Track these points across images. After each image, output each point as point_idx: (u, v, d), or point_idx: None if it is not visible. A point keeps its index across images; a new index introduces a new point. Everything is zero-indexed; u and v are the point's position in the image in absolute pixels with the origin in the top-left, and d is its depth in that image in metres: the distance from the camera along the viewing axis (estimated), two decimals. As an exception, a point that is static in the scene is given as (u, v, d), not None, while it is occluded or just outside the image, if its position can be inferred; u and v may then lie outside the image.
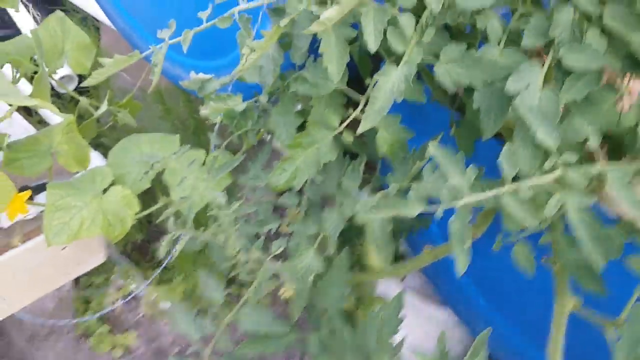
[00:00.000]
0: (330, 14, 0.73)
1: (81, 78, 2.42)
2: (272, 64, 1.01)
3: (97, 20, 2.33)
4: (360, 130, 0.79)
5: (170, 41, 0.92)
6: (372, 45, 0.75)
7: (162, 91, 2.06)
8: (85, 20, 2.43)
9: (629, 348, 0.74)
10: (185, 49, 0.86)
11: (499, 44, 0.83)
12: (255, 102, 1.12)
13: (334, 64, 0.78)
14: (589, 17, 0.81)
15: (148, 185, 1.43)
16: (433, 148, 0.75)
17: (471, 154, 1.01)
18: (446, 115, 1.04)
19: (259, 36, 1.23)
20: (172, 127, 1.98)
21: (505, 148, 0.73)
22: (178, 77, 1.66)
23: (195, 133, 1.95)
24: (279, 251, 0.93)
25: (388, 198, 0.85)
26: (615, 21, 0.80)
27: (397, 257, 1.18)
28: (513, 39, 0.84)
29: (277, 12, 0.93)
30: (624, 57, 0.82)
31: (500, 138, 0.89)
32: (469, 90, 0.84)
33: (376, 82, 0.77)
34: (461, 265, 0.68)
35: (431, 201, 0.74)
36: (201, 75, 1.34)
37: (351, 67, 0.87)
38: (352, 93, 0.93)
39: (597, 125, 0.81)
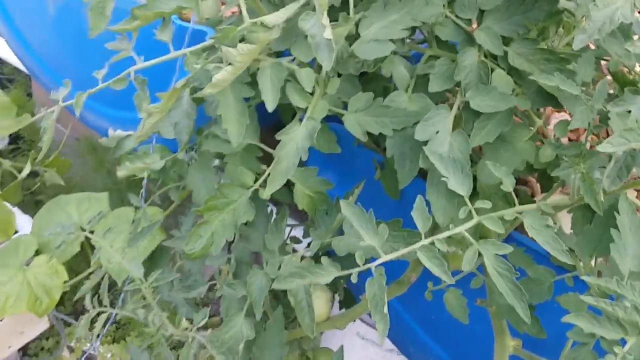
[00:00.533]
0: (223, 75, 0.69)
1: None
2: (187, 119, 0.97)
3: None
4: (266, 194, 0.76)
5: (64, 103, 0.86)
6: (270, 104, 0.71)
7: (95, 142, 1.99)
8: (19, 71, 2.35)
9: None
10: (77, 113, 0.81)
11: (406, 90, 0.81)
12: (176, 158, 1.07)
13: (233, 126, 0.74)
14: (494, 57, 0.79)
15: (77, 250, 1.36)
16: (344, 206, 0.71)
17: (398, 196, 0.98)
18: (373, 156, 1.01)
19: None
20: (106, 180, 1.91)
21: (417, 201, 0.70)
22: (102, 129, 1.60)
23: (131, 185, 1.89)
24: (202, 323, 0.88)
25: (305, 263, 0.82)
26: (521, 59, 0.78)
27: (348, 300, 1.14)
28: (423, 83, 0.82)
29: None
30: (535, 93, 0.81)
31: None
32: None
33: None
34: (381, 332, 0.64)
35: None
36: (119, 133, 1.28)
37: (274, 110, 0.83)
38: (266, 146, 0.89)
39: (513, 165, 0.80)
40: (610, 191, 0.66)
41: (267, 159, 0.89)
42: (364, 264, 0.68)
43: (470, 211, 0.70)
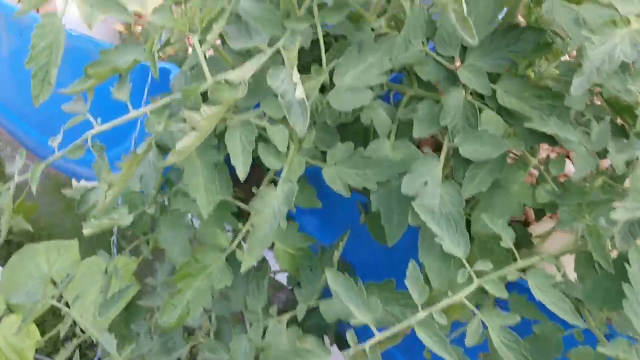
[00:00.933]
0: (187, 142, 0.62)
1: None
2: (153, 171, 0.90)
3: None
4: (244, 267, 0.69)
5: (20, 178, 0.79)
6: (242, 172, 0.64)
7: (63, 181, 1.91)
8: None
9: None
10: (33, 188, 0.74)
11: (389, 137, 0.74)
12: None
13: (202, 195, 0.67)
14: (481, 96, 0.73)
15: (49, 305, 1.28)
16: (330, 278, 0.65)
17: (387, 241, 0.91)
18: (361, 199, 0.95)
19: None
20: (75, 220, 1.83)
21: (410, 267, 0.63)
22: (73, 172, 1.52)
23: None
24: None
25: (291, 333, 0.75)
26: (510, 97, 0.72)
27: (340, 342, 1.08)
28: (406, 127, 0.76)
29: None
30: (528, 131, 0.74)
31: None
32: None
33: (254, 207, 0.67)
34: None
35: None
36: (83, 184, 1.20)
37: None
38: (242, 203, 0.82)
39: (509, 212, 0.73)
40: (627, 246, 0.60)
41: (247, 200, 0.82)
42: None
43: (470, 275, 0.64)
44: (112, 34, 1.36)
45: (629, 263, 0.64)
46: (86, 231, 0.99)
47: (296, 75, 0.60)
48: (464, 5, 0.51)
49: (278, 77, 0.62)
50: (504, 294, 0.62)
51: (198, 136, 0.63)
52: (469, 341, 0.60)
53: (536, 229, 0.97)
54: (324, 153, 0.76)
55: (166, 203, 0.97)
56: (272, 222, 0.66)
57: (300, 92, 0.59)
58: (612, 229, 0.58)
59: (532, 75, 0.85)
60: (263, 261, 0.88)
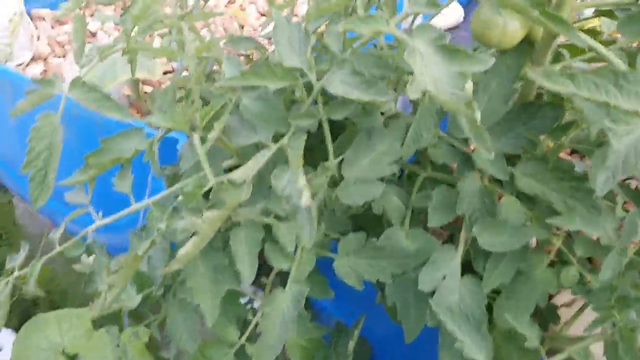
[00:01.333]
0: (189, 249, 0.59)
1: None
2: (161, 252, 0.87)
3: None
4: (252, 376, 0.65)
5: (18, 273, 0.77)
6: (248, 276, 0.61)
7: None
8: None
9: None
10: (32, 287, 0.71)
11: (402, 224, 0.71)
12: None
13: (207, 301, 0.64)
14: (499, 180, 0.69)
15: (60, 378, 1.25)
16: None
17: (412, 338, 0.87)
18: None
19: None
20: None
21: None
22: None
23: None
24: None
25: None
26: (529, 180, 0.68)
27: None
28: (420, 212, 0.72)
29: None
30: (550, 213, 0.70)
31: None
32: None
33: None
34: None
35: None
36: (91, 259, 1.18)
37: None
38: (253, 292, 0.79)
39: (533, 300, 0.69)
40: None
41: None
42: None
43: (493, 381, 0.59)
44: (120, 99, 1.34)
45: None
46: (93, 312, 0.96)
47: (302, 181, 0.56)
48: (477, 113, 0.47)
49: (283, 178, 0.59)
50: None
51: (200, 241, 0.60)
52: None
53: (561, 298, 0.92)
54: (334, 240, 0.72)
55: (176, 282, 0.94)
56: (281, 327, 0.63)
57: (306, 199, 0.56)
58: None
59: (550, 151, 0.80)
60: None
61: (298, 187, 0.57)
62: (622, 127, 0.56)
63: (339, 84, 0.57)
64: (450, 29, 1.31)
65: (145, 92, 1.36)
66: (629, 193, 0.73)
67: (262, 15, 1.57)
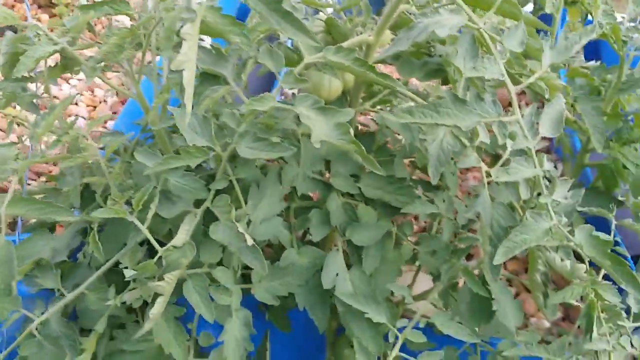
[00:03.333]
0: (156, 310, 0.72)
1: None
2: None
3: None
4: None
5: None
6: (208, 317, 0.76)
7: None
8: None
9: None
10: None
11: (292, 246, 0.91)
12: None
13: (175, 348, 0.76)
14: (351, 195, 0.94)
15: None
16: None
17: (289, 330, 1.06)
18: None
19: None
20: None
21: (356, 345, 0.81)
22: None
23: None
24: None
25: None
26: (372, 190, 0.94)
27: None
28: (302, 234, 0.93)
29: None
30: (389, 209, 0.96)
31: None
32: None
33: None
34: None
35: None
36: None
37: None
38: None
39: (393, 274, 0.95)
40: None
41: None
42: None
43: (396, 333, 0.83)
44: None
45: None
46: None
47: (242, 227, 0.74)
48: (363, 148, 0.71)
49: (219, 231, 0.75)
50: (422, 339, 0.83)
51: (164, 301, 0.73)
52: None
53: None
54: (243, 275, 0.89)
55: None
56: (238, 349, 0.78)
57: (249, 239, 0.73)
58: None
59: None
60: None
61: (237, 232, 0.74)
62: (429, 136, 0.84)
63: (247, 150, 0.75)
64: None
65: None
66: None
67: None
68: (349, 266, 0.90)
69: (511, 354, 0.84)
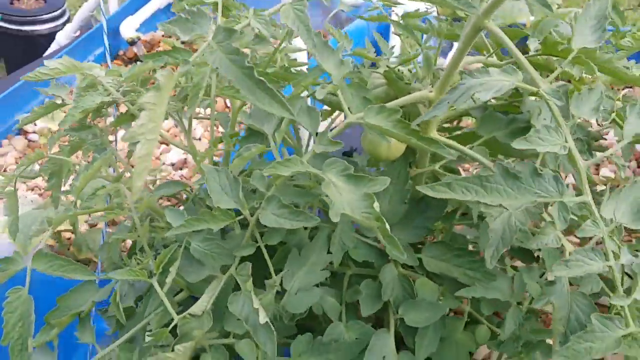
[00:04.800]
0: None
1: None
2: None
3: None
4: None
5: None
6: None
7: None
8: None
9: None
10: None
11: (340, 319, 0.82)
12: None
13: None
14: (411, 267, 0.84)
15: None
16: None
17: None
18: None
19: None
20: None
21: None
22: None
23: None
24: None
25: None
26: (435, 262, 0.83)
27: None
28: (353, 306, 0.84)
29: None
30: (457, 286, 0.84)
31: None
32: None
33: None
34: None
35: None
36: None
37: None
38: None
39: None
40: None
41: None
42: None
43: None
44: (45, 249, 1.39)
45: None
46: None
47: (256, 302, 0.68)
48: (387, 226, 0.62)
49: (238, 302, 0.70)
50: None
51: (175, 369, 0.69)
52: None
53: (480, 353, 1.07)
54: (284, 345, 0.83)
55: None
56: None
57: (263, 317, 0.67)
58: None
59: (445, 230, 0.96)
60: None
61: (253, 307, 0.68)
62: (495, 209, 0.72)
63: (272, 217, 0.69)
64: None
65: (68, 239, 1.42)
66: (515, 252, 0.90)
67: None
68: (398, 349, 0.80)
69: None
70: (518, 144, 0.62)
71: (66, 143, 0.89)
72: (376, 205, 0.64)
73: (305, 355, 0.80)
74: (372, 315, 0.87)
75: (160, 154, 1.67)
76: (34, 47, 2.60)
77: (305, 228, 0.84)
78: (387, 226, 0.63)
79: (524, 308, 0.79)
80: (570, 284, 0.70)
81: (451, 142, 0.78)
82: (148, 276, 0.72)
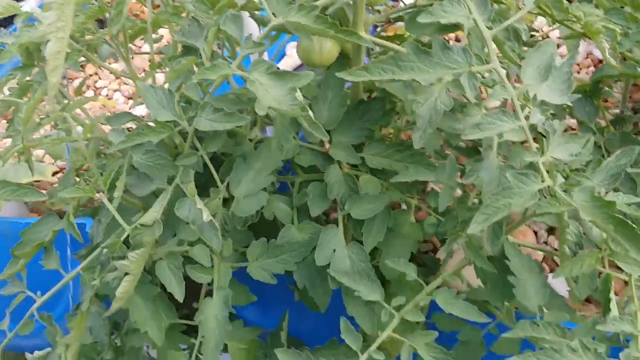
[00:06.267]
0: (125, 287, 0.72)
1: None
2: (101, 320, 0.97)
3: None
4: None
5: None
6: (179, 296, 0.75)
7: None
8: None
9: None
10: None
11: (292, 222, 0.86)
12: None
13: (152, 327, 0.76)
14: (355, 166, 0.87)
15: None
16: (280, 356, 0.75)
17: (323, 308, 1.02)
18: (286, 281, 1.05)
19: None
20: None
21: (342, 324, 0.75)
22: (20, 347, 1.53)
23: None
24: None
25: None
26: (376, 159, 0.87)
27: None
28: (304, 209, 0.88)
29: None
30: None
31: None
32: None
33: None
34: None
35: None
36: (36, 354, 1.25)
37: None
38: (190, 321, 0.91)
39: (408, 250, 0.87)
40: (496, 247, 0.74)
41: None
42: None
43: (390, 312, 0.76)
44: (19, 207, 1.42)
45: (508, 259, 0.78)
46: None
47: (200, 203, 0.71)
48: (311, 112, 0.65)
49: (184, 208, 0.74)
50: (420, 318, 0.75)
51: (133, 279, 0.73)
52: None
53: (442, 253, 1.11)
54: (244, 253, 0.87)
55: (119, 344, 1.03)
56: (219, 329, 0.76)
57: (207, 216, 0.71)
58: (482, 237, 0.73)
59: (394, 134, 1.00)
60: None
61: (197, 209, 0.72)
62: (421, 96, 0.75)
63: (206, 122, 0.73)
64: (297, 67, 1.52)
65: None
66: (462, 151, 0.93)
67: (129, 99, 1.71)
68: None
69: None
70: (422, 18, 0.65)
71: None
72: (299, 96, 0.67)
73: (261, 259, 0.85)
74: (322, 216, 0.91)
75: (130, 109, 1.69)
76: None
77: (251, 140, 0.87)
78: (311, 113, 0.66)
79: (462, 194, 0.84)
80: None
81: (376, 39, 0.80)
82: (96, 193, 0.75)
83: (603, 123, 1.09)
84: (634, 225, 0.59)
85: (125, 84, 1.63)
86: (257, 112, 0.66)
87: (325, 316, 1.01)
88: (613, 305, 0.67)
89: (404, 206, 0.99)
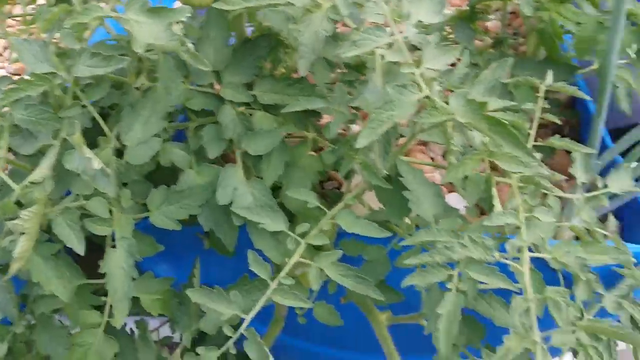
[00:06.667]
0: (22, 247, 0.70)
1: None
2: (6, 293, 0.94)
3: None
4: (118, 322, 0.77)
5: None
6: (80, 250, 0.74)
7: None
8: None
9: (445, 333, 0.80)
10: None
11: (191, 167, 0.86)
12: None
13: (56, 286, 0.75)
14: (247, 104, 0.88)
15: None
16: (192, 295, 0.76)
17: (232, 252, 1.03)
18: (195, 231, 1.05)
19: None
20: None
21: (250, 256, 0.76)
22: None
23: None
24: None
25: None
26: (268, 95, 0.88)
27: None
28: (202, 153, 0.88)
29: None
30: (294, 114, 0.89)
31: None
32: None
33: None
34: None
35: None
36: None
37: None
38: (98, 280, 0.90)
39: (309, 180, 0.89)
40: (390, 165, 0.77)
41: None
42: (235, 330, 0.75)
43: (295, 239, 0.78)
44: None
45: (401, 175, 0.82)
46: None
47: (87, 151, 0.70)
48: (191, 45, 0.65)
49: (73, 160, 0.72)
50: (325, 241, 0.78)
51: (29, 238, 0.71)
52: (313, 286, 0.74)
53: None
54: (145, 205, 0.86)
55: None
56: (125, 279, 0.76)
57: (97, 163, 0.69)
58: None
59: (285, 70, 1.00)
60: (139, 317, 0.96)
61: (86, 158, 0.70)
62: (301, 25, 0.76)
63: (85, 68, 0.71)
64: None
65: None
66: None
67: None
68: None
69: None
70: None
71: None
72: (178, 29, 0.66)
73: (163, 206, 0.84)
74: (221, 158, 0.92)
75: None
76: None
77: (138, 89, 0.86)
78: (191, 46, 0.66)
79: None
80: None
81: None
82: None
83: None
84: (505, 122, 0.64)
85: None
86: (135, 50, 0.65)
87: (235, 262, 1.02)
88: (496, 202, 0.72)
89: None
